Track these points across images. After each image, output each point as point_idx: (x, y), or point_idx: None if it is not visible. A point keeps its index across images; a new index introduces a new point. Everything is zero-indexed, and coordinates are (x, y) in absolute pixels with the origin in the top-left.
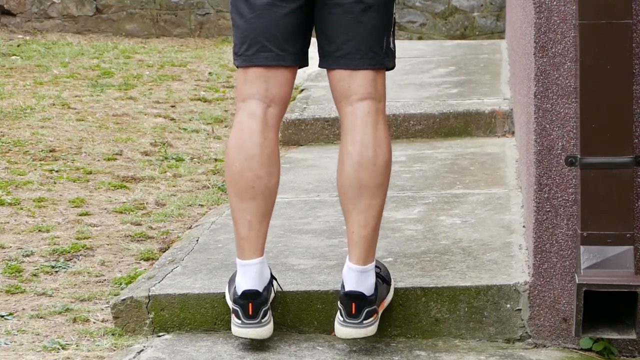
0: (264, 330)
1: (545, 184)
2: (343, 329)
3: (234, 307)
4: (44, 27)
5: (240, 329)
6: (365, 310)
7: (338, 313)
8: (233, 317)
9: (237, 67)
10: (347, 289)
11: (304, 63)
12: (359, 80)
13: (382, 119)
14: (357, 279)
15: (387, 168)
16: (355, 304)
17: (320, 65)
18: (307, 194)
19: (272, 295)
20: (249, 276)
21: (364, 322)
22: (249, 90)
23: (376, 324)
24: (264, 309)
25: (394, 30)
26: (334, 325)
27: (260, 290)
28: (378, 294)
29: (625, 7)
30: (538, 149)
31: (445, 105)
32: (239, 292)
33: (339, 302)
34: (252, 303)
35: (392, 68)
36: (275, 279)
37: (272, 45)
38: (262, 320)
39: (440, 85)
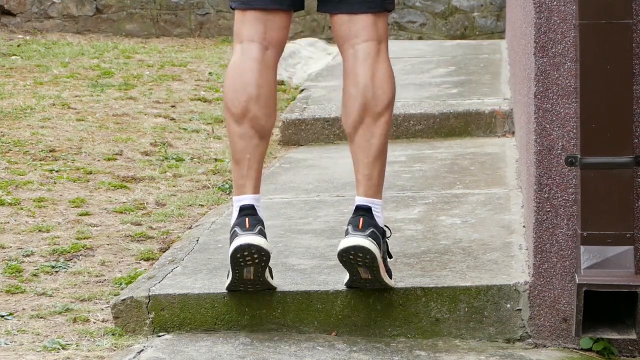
0: (260, 239)
1: (545, 184)
2: (349, 238)
3: (233, 228)
4: (44, 27)
5: (238, 238)
6: (371, 229)
7: (345, 233)
8: (231, 241)
9: (234, 9)
10: (357, 203)
11: (300, 7)
12: (359, 23)
13: (384, 58)
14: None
15: (389, 106)
16: (363, 219)
17: (319, 10)
18: (307, 194)
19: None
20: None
21: (369, 237)
22: (246, 33)
23: (379, 253)
24: (259, 227)
25: None
26: (334, 325)
27: (255, 207)
28: (380, 245)
29: (625, 7)
30: (538, 149)
31: (445, 105)
32: (237, 210)
33: (347, 223)
34: (248, 217)
35: (392, 10)
36: (270, 271)
37: None
38: (258, 232)
39: (440, 85)
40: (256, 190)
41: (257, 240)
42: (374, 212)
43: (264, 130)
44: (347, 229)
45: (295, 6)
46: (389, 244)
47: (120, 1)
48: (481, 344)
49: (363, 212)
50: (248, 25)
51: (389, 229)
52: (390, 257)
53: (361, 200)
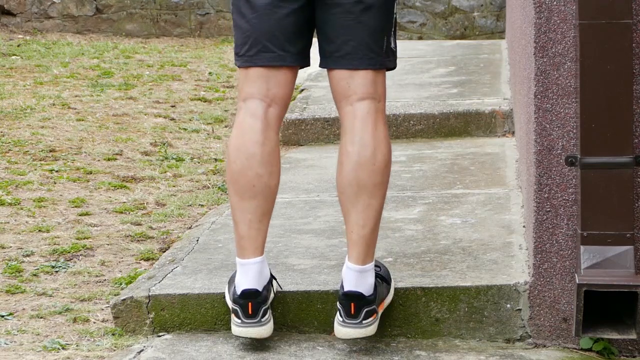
0: (264, 330)
1: (545, 184)
2: (342, 329)
3: (234, 307)
4: (44, 27)
5: (240, 328)
6: (365, 310)
7: (337, 313)
8: (233, 317)
9: (239, 67)
10: (346, 289)
11: (305, 63)
12: (358, 80)
13: (381, 119)
14: (356, 278)
15: (386, 168)
16: (354, 304)
17: (320, 66)
18: (307, 194)
19: (272, 295)
20: (249, 275)
21: (364, 322)
22: (250, 90)
23: (376, 324)
24: (263, 308)
25: (394, 31)
26: (333, 325)
27: (260, 289)
28: (377, 294)
29: (625, 7)
30: (538, 149)
31: (445, 105)
32: (239, 292)
33: (338, 303)
34: (251, 302)
35: (393, 68)
36: (275, 279)
37: (274, 46)
38: (262, 320)
39: (440, 85)
40: (258, 251)
41: (261, 333)
42: (368, 277)
43: (267, 188)
44: (339, 312)
45: (299, 63)
46: (390, 244)
47: (120, 1)
48: (481, 344)
49: (354, 299)
50: (250, 82)
51: (388, 274)
52: (389, 283)
53: (354, 268)
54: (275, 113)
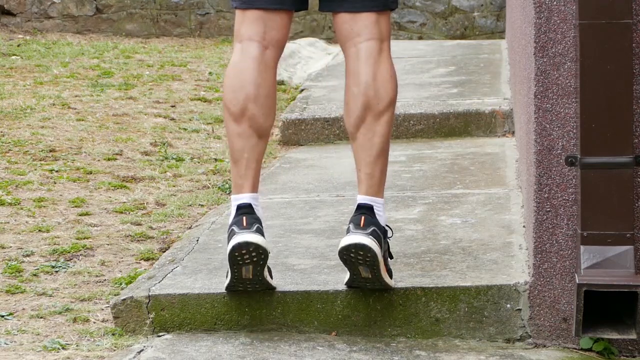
0: (257, 237)
1: (545, 184)
2: (350, 236)
3: (231, 227)
4: (44, 27)
5: (236, 236)
6: (372, 228)
7: (346, 229)
8: (229, 240)
9: (235, 8)
10: (359, 201)
11: (303, 7)
12: (361, 22)
13: (386, 57)
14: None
15: (391, 106)
16: (365, 218)
17: (321, 9)
18: (307, 194)
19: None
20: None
21: (370, 235)
22: (247, 32)
23: (380, 252)
24: (257, 225)
25: None
26: (334, 325)
27: (253, 205)
28: (382, 246)
29: (625, 7)
30: (538, 149)
31: (445, 105)
32: (234, 208)
33: (349, 222)
34: (246, 216)
35: (395, 8)
36: (270, 271)
37: None
38: (256, 232)
39: (440, 85)
40: (254, 189)
41: (255, 238)
42: (375, 211)
43: (262, 129)
44: (349, 227)
45: (296, 6)
46: (390, 243)
47: (120, 1)
48: (481, 344)
49: (365, 211)
50: (248, 24)
51: (391, 229)
52: (392, 257)
53: (363, 198)
54: (272, 55)
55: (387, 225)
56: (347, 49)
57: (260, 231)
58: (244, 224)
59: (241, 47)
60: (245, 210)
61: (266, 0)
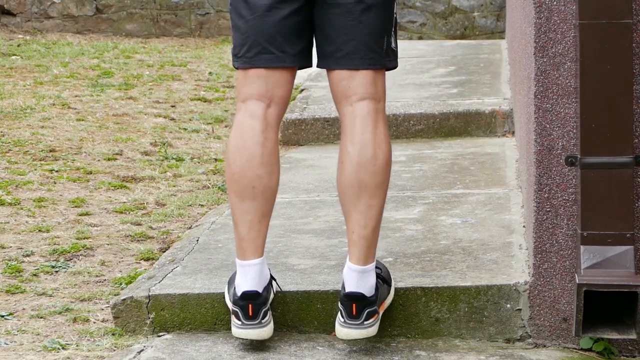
0: (264, 331)
1: (545, 184)
2: (344, 330)
3: (234, 309)
4: (44, 27)
5: (240, 329)
6: (366, 311)
7: (339, 314)
8: (233, 318)
9: (237, 68)
10: (347, 289)
11: (305, 64)
12: (358, 80)
13: (382, 119)
14: (358, 279)
15: (386, 168)
16: (356, 305)
17: (319, 66)
18: (307, 194)
19: (272, 295)
20: (249, 277)
21: (365, 322)
22: (249, 91)
23: (377, 325)
24: (264, 310)
25: (395, 30)
26: (334, 325)
27: (260, 290)
28: (379, 295)
29: (625, 7)
30: (538, 149)
31: (445, 105)
32: (239, 293)
33: (339, 303)
34: (252, 304)
35: (394, 68)
36: (275, 279)
37: (273, 47)
38: (263, 321)
39: (440, 85)
40: (258, 252)
41: (261, 335)
42: (368, 277)
43: (267, 189)
44: (340, 312)
45: (298, 63)
46: (390, 244)
47: (120, 1)
48: (481, 344)
49: (356, 300)
50: (250, 83)
51: (389, 275)
52: (390, 284)
53: (356, 268)
54: (275, 113)
55: (377, 261)
56: (343, 107)
57: (267, 315)
58: (250, 312)
59: (244, 106)
60: (251, 297)
61: (267, 59)
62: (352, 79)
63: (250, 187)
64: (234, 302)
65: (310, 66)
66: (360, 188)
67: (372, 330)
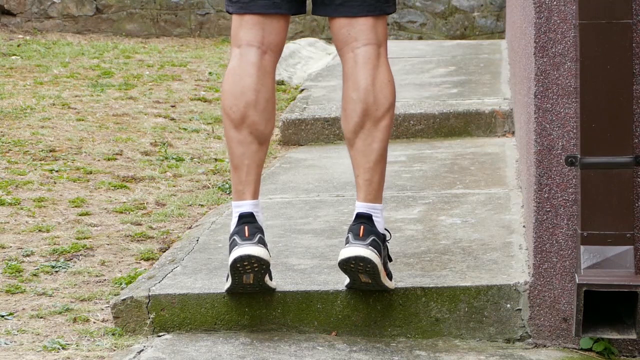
0: (259, 249)
1: (545, 184)
2: (349, 248)
3: (232, 237)
4: (44, 27)
5: (238, 249)
6: (372, 237)
7: (345, 241)
8: (231, 249)
9: (231, 13)
10: (357, 211)
11: (300, 11)
12: (358, 27)
13: (383, 62)
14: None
15: (390, 111)
16: (364, 227)
17: (315, 13)
18: (307, 194)
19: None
20: (244, 208)
21: (370, 246)
22: (245, 37)
23: (380, 260)
24: (259, 235)
25: None
26: (334, 325)
27: (255, 215)
28: (381, 252)
29: (625, 7)
30: (538, 148)
31: (445, 105)
32: (236, 218)
33: (347, 232)
34: (247, 226)
35: (393, 12)
36: (270, 274)
37: None
38: (259, 244)
39: (440, 85)
40: (255, 195)
41: (257, 251)
42: (374, 219)
43: (262, 135)
44: (348, 237)
45: (294, 10)
46: (389, 246)
47: (120, 1)
48: (481, 344)
49: (363, 220)
50: (246, 29)
51: (389, 232)
52: (390, 260)
53: (362, 206)
54: (271, 59)
55: (385, 229)
56: (344, 55)
57: (262, 241)
58: (246, 234)
59: (239, 52)
60: (247, 219)
61: (263, 5)
62: (352, 27)
63: (247, 133)
64: (232, 232)
65: (304, 13)
66: (364, 132)
67: (376, 256)
